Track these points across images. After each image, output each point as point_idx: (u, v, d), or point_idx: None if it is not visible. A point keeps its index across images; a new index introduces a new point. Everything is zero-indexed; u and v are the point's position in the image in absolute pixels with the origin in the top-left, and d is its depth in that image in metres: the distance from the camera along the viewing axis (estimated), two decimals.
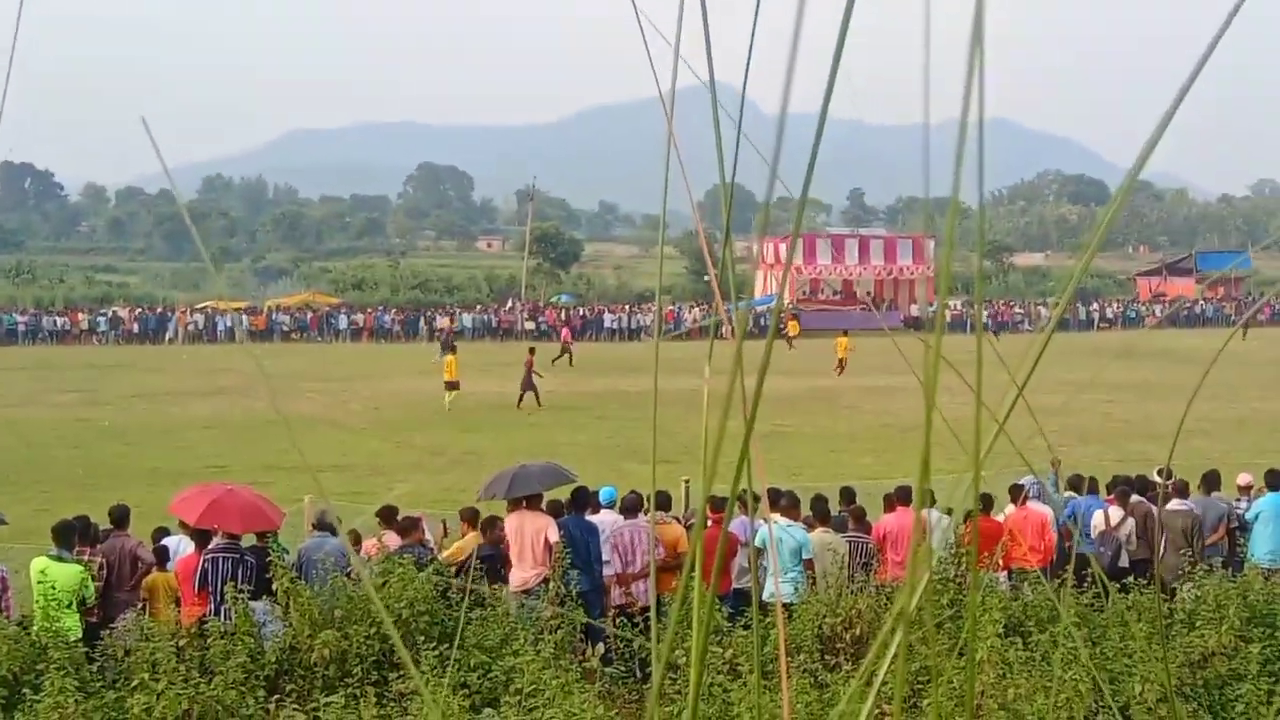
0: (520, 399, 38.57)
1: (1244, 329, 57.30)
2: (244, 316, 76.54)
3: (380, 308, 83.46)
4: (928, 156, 0.90)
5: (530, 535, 13.98)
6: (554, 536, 13.77)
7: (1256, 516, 15.90)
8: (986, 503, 14.22)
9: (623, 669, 12.72)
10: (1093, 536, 15.67)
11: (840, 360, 48.66)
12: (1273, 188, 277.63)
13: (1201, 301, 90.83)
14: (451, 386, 38.74)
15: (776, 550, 13.86)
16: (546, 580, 13.38)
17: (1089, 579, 13.13)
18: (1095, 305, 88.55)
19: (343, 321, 78.04)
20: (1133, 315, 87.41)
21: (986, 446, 1.03)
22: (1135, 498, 16.06)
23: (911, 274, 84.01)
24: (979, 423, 1.00)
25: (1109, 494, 16.53)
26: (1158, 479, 16.95)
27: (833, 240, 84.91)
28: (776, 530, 14.08)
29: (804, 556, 13.88)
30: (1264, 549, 15.56)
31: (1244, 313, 79.92)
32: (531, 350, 40.57)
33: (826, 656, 11.50)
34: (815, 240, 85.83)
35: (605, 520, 14.87)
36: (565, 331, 63.08)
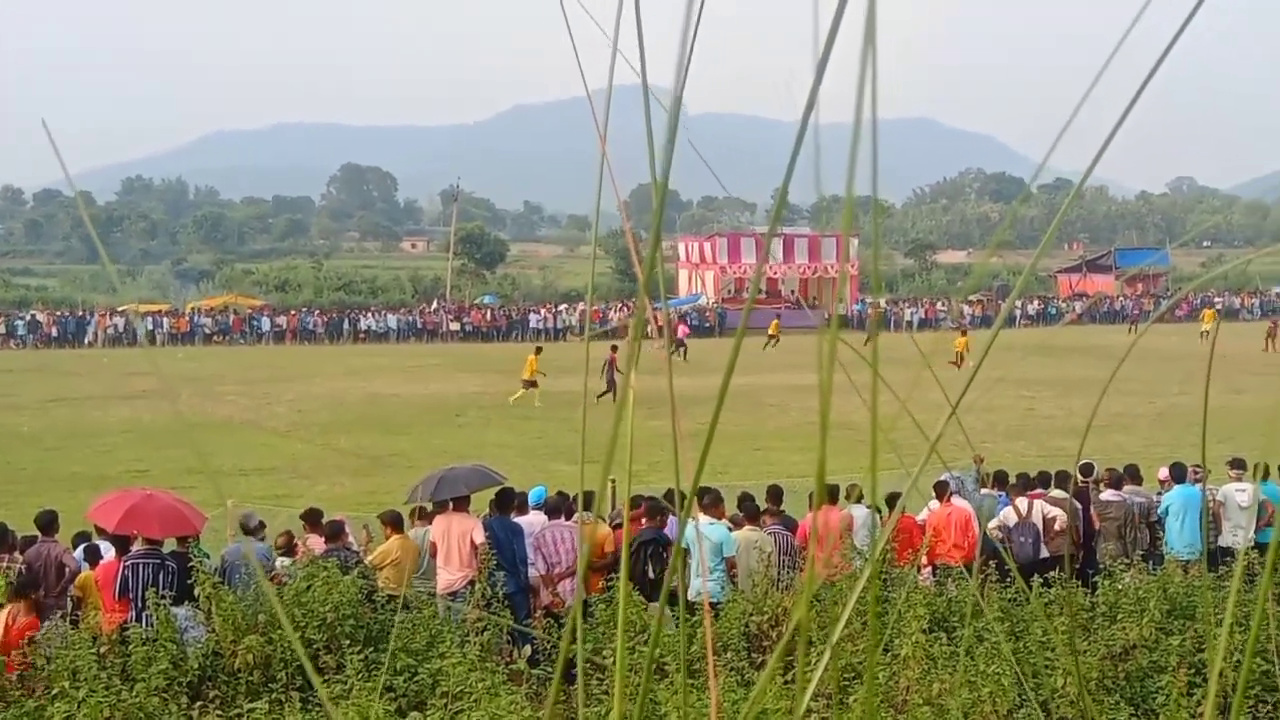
0: (604, 394, 37.77)
1: (1132, 325, 57.85)
2: (165, 319, 75.69)
3: (304, 309, 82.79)
4: (817, 156, 0.90)
5: (456, 537, 13.95)
6: (479, 538, 13.75)
7: (1167, 510, 16.19)
8: (891, 500, 14.27)
9: (550, 670, 12.70)
10: (989, 530, 15.81)
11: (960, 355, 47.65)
12: (1190, 185, 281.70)
13: (1121, 298, 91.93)
14: (530, 385, 38.38)
15: (701, 547, 13.88)
16: (473, 583, 13.34)
17: (1011, 574, 13.25)
18: (1017, 302, 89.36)
19: (266, 324, 77.35)
20: (1053, 312, 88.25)
21: (928, 446, 1.03)
22: (1058, 492, 16.24)
23: (835, 272, 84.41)
24: (874, 420, 1.00)
25: (1043, 488, 16.70)
26: (1078, 474, 17.18)
27: (757, 239, 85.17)
28: (701, 528, 14.11)
29: (725, 554, 13.93)
30: (1180, 542, 15.82)
31: (1162, 308, 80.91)
32: (614, 348, 39.50)
33: (754, 654, 11.52)
34: (740, 239, 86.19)
35: (533, 521, 14.86)
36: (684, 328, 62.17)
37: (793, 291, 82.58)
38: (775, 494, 15.86)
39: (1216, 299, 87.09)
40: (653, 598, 13.25)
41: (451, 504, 14.22)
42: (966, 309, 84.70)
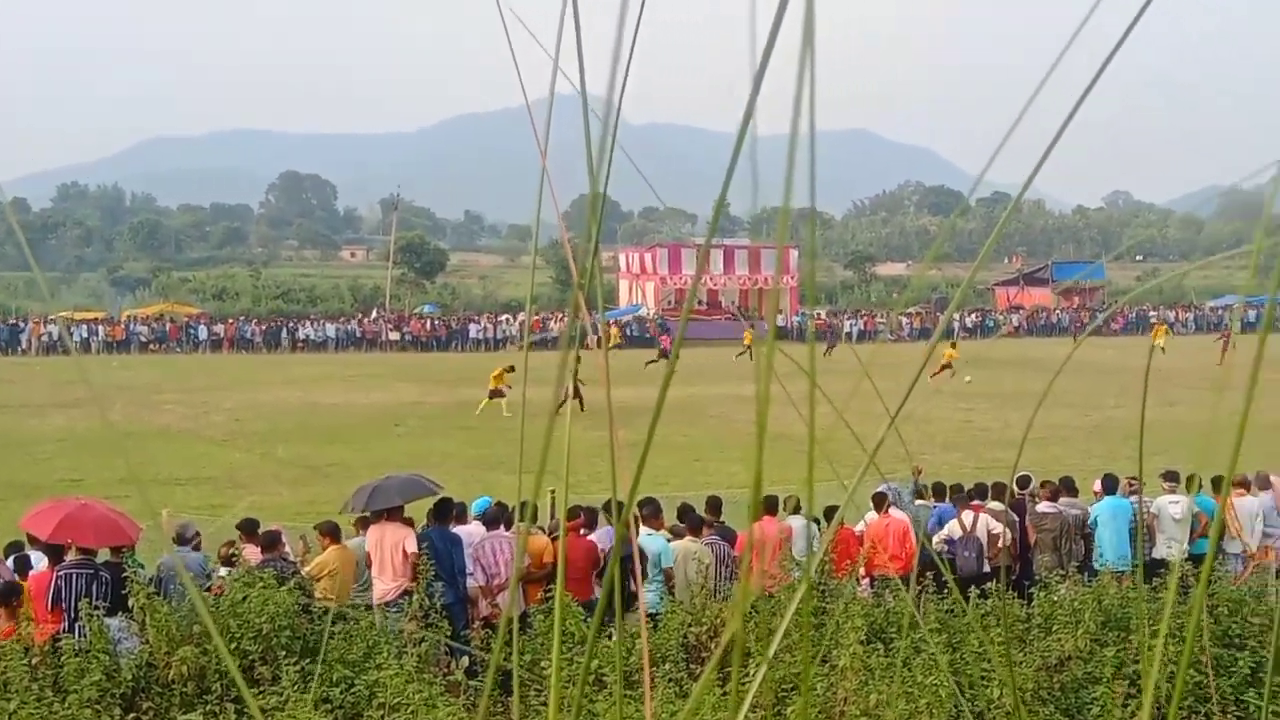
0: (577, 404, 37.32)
1: (1074, 338, 58.18)
2: (100, 327, 74.95)
3: (241, 318, 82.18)
4: (754, 167, 0.90)
5: (390, 547, 13.91)
6: (411, 547, 13.73)
7: (1096, 521, 16.37)
8: (829, 511, 14.36)
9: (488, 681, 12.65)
10: (934, 543, 15.91)
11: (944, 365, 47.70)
12: (1126, 199, 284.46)
13: (1058, 310, 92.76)
14: (496, 394, 38.11)
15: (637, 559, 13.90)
16: (408, 593, 13.30)
17: (948, 585, 13.30)
18: (955, 314, 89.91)
19: (203, 332, 76.67)
20: (991, 324, 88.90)
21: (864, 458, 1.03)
22: (995, 504, 16.36)
23: (776, 284, 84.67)
24: (812, 431, 1.00)
25: (980, 499, 16.82)
26: (1015, 487, 17.33)
27: (698, 251, 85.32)
28: (644, 541, 14.12)
29: (663, 565, 13.95)
30: (1111, 553, 15.98)
31: (1096, 321, 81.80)
32: (577, 358, 38.97)
33: (692, 666, 11.52)
34: (681, 250, 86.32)
35: (472, 532, 14.82)
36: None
37: (733, 302, 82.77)
38: (714, 505, 15.87)
39: (1152, 313, 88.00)
40: (627, 609, 13.23)
41: (386, 514, 14.19)
42: (905, 320, 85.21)
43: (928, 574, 13.78)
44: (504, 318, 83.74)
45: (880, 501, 15.97)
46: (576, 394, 37.84)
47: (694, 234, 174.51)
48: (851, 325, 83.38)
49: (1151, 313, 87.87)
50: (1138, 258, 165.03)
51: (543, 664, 10.88)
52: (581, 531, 14.54)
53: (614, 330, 64.28)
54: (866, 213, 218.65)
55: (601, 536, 14.61)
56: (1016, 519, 16.19)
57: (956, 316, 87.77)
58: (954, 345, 51.27)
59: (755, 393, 0.95)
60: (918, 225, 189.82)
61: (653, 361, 52.73)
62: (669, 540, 14.58)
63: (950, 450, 29.95)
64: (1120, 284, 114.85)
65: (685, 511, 15.52)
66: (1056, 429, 31.98)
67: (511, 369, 39.55)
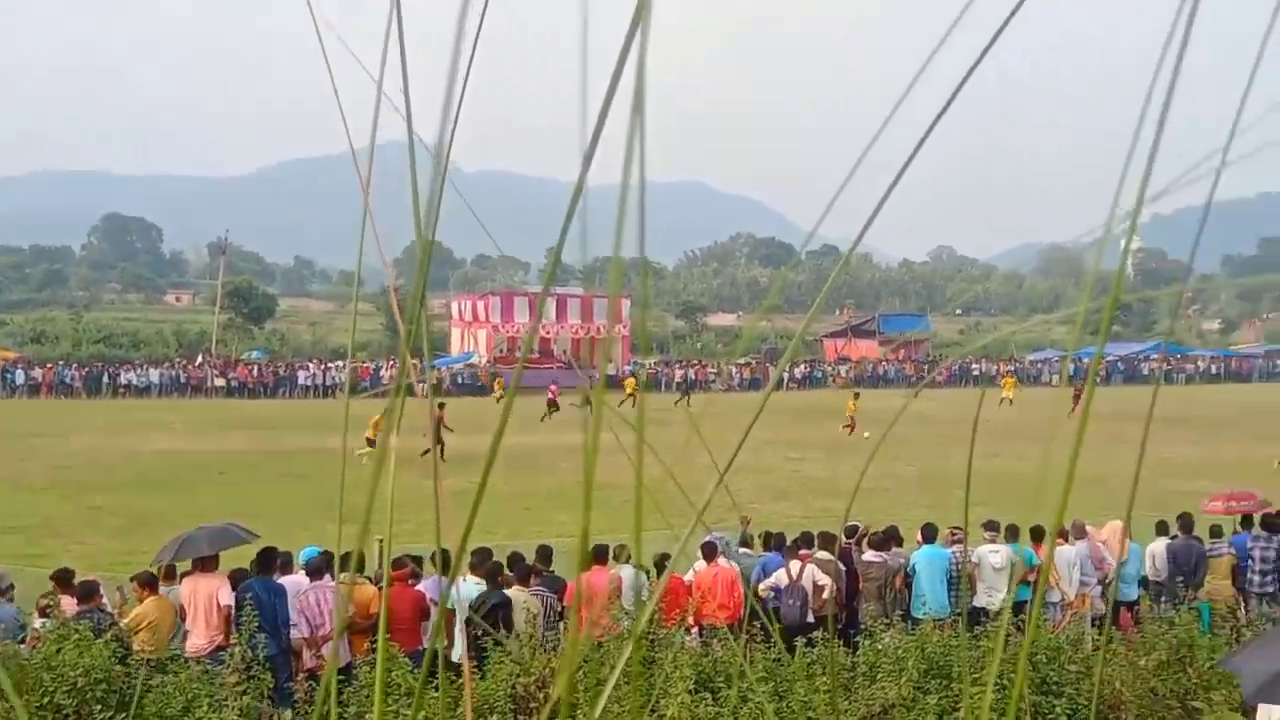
0: (428, 451, 36.72)
1: (915, 391, 59.34)
2: None
3: (61, 362, 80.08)
4: (584, 217, 0.90)
5: (204, 599, 13.64)
6: (225, 599, 13.49)
7: (914, 569, 16.67)
8: (659, 561, 14.42)
9: None
10: (761, 591, 16.04)
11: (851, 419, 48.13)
12: (950, 254, 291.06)
13: (884, 362, 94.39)
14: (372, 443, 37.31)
15: (465, 608, 13.81)
16: (221, 647, 13.08)
17: (777, 632, 13.42)
18: (785, 366, 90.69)
19: (20, 376, 74.54)
20: (819, 375, 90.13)
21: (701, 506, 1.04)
22: (823, 553, 16.53)
23: (608, 333, 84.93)
24: (639, 482, 1.00)
25: (807, 548, 16.98)
26: (842, 537, 17.55)
27: (529, 299, 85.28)
28: (465, 588, 14.05)
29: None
30: (933, 601, 16.27)
31: (923, 373, 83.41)
32: (440, 405, 38.54)
33: (520, 716, 11.45)
34: (514, 298, 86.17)
35: (298, 582, 14.58)
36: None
37: (565, 351, 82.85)
38: (544, 554, 15.82)
39: (974, 365, 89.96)
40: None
41: (199, 564, 13.94)
42: (736, 371, 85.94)
43: (755, 623, 13.87)
44: (334, 364, 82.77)
45: (709, 551, 16.05)
46: (439, 441, 37.61)
47: (527, 282, 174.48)
48: (683, 375, 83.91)
49: (974, 365, 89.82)
50: (957, 311, 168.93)
51: (368, 717, 10.73)
52: (410, 581, 14.40)
53: (631, 381, 64.70)
54: (699, 263, 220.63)
55: (430, 586, 14.49)
56: (843, 568, 16.39)
57: (786, 367, 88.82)
58: (856, 397, 51.75)
59: (583, 443, 0.95)
60: (749, 276, 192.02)
61: (546, 416, 52.47)
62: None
63: (781, 500, 30.24)
64: (944, 336, 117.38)
65: (514, 560, 15.45)
66: (883, 479, 32.49)
67: (442, 405, 38.96)
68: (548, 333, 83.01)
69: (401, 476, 1.15)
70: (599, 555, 15.17)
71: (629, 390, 62.10)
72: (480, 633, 13.50)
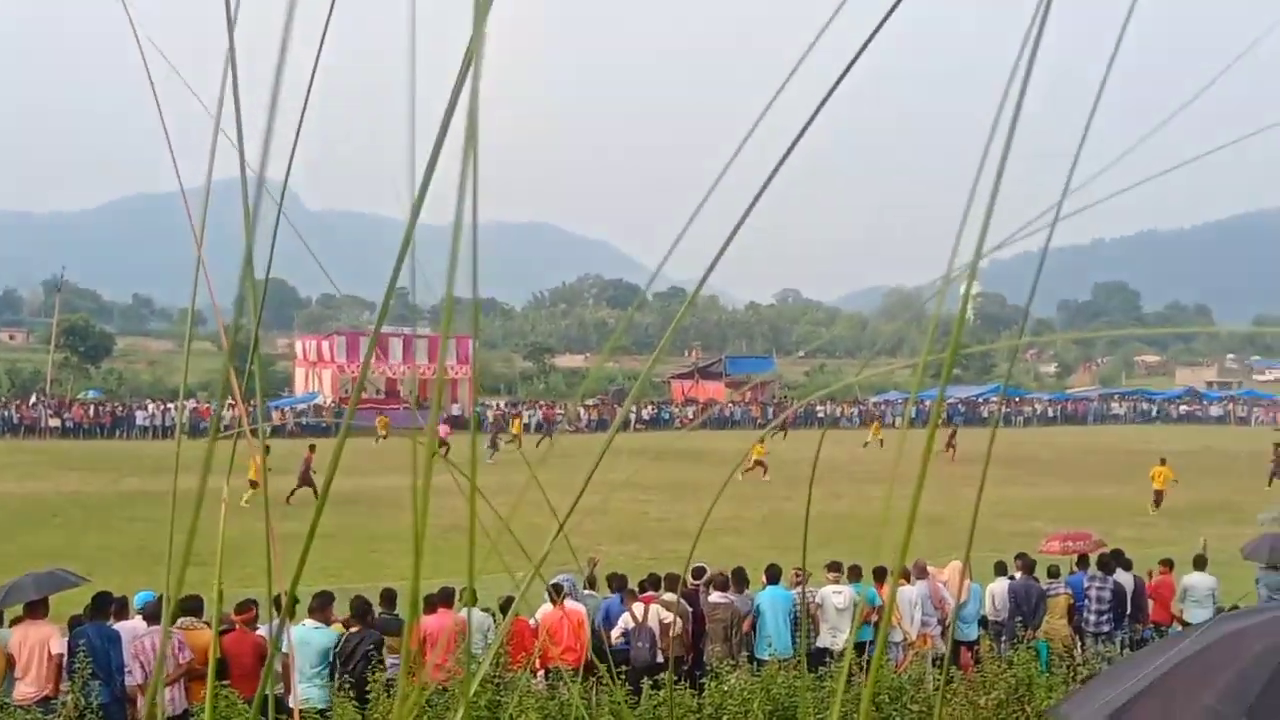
0: (292, 493, 36.09)
1: (784, 430, 59.89)
2: None
3: None
4: (413, 258, 0.90)
5: (34, 647, 13.27)
6: (57, 648, 13.15)
7: (759, 610, 16.78)
8: (505, 603, 14.39)
9: None
10: (611, 633, 16.04)
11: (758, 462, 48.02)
12: (796, 296, 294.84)
13: (730, 404, 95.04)
14: (307, 483, 36.44)
15: (303, 652, 13.64)
16: (50, 696, 12.74)
17: (623, 674, 13.42)
18: (632, 407, 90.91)
19: None
20: (667, 416, 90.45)
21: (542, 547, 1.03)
22: (669, 595, 16.57)
23: (455, 373, 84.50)
24: (473, 524, 1.00)
25: (653, 590, 17.00)
26: (691, 577, 17.61)
27: (377, 338, 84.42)
28: (303, 632, 13.85)
29: (332, 658, 13.71)
30: (777, 642, 16.38)
31: (771, 415, 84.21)
32: (311, 447, 37.81)
33: None
34: (359, 338, 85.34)
35: (135, 628, 14.23)
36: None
37: (412, 392, 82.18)
38: (388, 597, 15.65)
39: (819, 407, 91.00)
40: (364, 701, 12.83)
41: (29, 611, 13.56)
42: (583, 412, 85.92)
43: (602, 665, 13.84)
44: (173, 404, 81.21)
45: (555, 592, 15.99)
46: (309, 482, 37.20)
47: (372, 322, 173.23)
48: (530, 416, 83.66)
49: (819, 407, 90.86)
50: (799, 354, 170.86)
51: None
52: (252, 625, 14.15)
53: (444, 427, 63.83)
54: (546, 304, 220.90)
55: (270, 630, 14.23)
56: (690, 609, 16.44)
57: (634, 408, 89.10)
58: (762, 441, 51.75)
59: (442, 483, 0.94)
60: (596, 318, 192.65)
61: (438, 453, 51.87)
62: (343, 633, 14.32)
63: (627, 541, 30.26)
64: (790, 378, 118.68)
65: (356, 602, 15.26)
66: (729, 520, 32.67)
67: (312, 448, 38.27)
68: (395, 373, 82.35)
69: (246, 519, 1.13)
70: (444, 598, 15.04)
71: (515, 430, 62.42)
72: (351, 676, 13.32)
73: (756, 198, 1.00)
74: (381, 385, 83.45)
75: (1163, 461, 40.52)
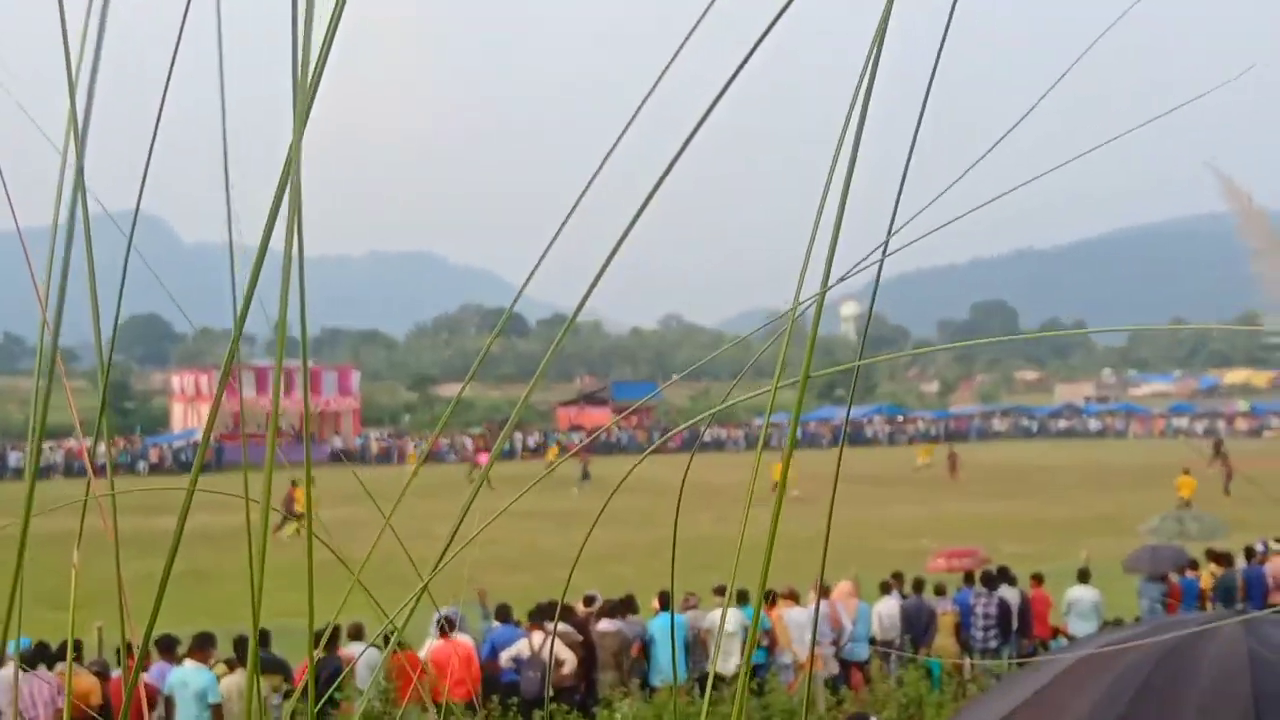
0: (279, 527, 35.64)
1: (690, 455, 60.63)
2: None
3: None
4: (274, 289, 0.89)
5: None
6: None
7: (653, 637, 16.78)
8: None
9: None
10: (501, 662, 15.95)
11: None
12: (679, 320, 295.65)
13: (617, 430, 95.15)
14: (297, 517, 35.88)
15: (181, 695, 13.46)
16: None
17: (515, 706, 13.34)
18: (519, 435, 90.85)
19: None
20: (540, 445, 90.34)
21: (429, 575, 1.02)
22: (563, 626, 16.51)
23: (338, 406, 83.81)
24: (309, 563, 0.98)
25: (544, 619, 16.92)
26: (583, 605, 17.59)
27: (257, 373, 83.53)
28: (181, 674, 13.66)
29: (210, 701, 13.48)
30: (667, 668, 16.37)
31: (654, 440, 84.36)
32: (294, 484, 37.24)
33: None
34: (239, 373, 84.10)
35: (6, 675, 13.91)
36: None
37: (292, 426, 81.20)
38: (262, 637, 15.39)
39: (706, 431, 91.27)
40: None
41: None
42: (468, 441, 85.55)
43: (493, 697, 13.78)
44: (49, 445, 79.69)
45: (445, 626, 15.88)
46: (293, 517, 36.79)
47: (253, 355, 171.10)
48: (415, 447, 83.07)
49: (706, 431, 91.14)
50: (674, 376, 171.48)
51: None
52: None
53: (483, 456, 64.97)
54: (429, 334, 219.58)
55: (154, 674, 13.99)
56: (581, 638, 16.39)
57: (521, 437, 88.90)
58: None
59: (325, 517, 0.92)
60: (479, 347, 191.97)
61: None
62: (224, 674, 14.11)
63: (517, 571, 30.11)
64: (676, 402, 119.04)
65: (240, 643, 15.04)
66: (617, 547, 32.62)
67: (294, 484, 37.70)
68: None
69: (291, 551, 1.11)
70: (335, 636, 14.89)
71: (550, 456, 63.47)
72: None
73: (632, 222, 1.00)
74: (263, 420, 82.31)
75: (1186, 472, 41.56)
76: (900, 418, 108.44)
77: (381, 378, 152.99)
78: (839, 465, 1.29)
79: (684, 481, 1.40)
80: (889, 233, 1.06)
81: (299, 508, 37.99)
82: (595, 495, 44.48)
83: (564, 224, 1.00)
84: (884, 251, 1.05)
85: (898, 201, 1.06)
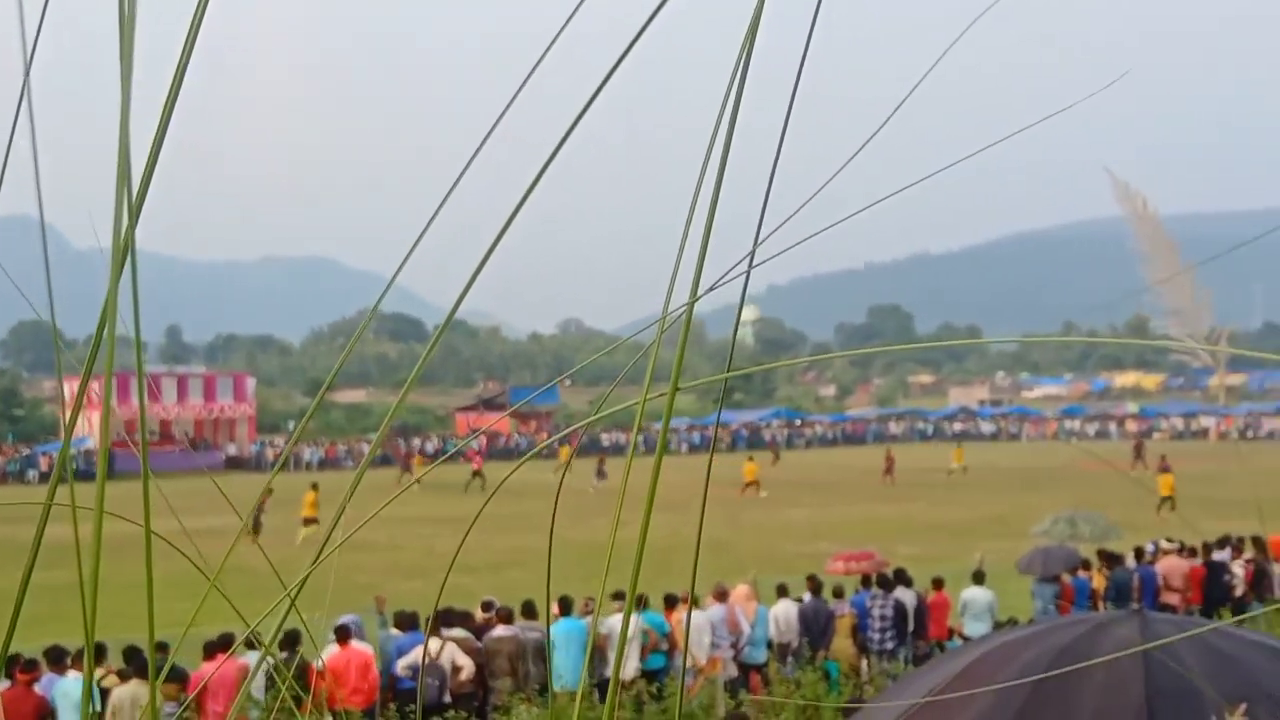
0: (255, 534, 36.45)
1: (601, 468, 61.16)
2: None
3: None
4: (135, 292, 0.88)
5: None
6: None
7: (553, 643, 16.72)
8: (294, 638, 14.16)
9: None
10: (401, 671, 15.85)
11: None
12: (578, 325, 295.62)
13: (516, 435, 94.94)
14: (310, 521, 37.27)
15: (63, 705, 13.28)
16: None
17: (412, 714, 13.27)
18: (417, 440, 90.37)
19: None
20: (451, 449, 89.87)
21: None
22: (459, 631, 16.43)
23: (232, 413, 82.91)
24: (143, 572, 0.97)
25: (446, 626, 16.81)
26: (481, 611, 17.53)
27: (149, 379, 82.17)
28: (65, 684, 13.49)
29: (96, 710, 13.31)
30: (569, 674, 16.34)
31: (555, 445, 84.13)
32: (269, 491, 37.67)
33: None
34: (130, 379, 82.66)
35: None
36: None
37: (186, 433, 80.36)
38: (160, 646, 15.16)
39: (604, 435, 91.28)
40: None
41: None
42: (365, 447, 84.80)
43: (390, 705, 13.71)
44: None
45: (342, 634, 15.76)
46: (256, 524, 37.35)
47: (145, 362, 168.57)
48: (311, 453, 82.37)
49: (604, 435, 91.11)
50: (565, 382, 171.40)
51: None
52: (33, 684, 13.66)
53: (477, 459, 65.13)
54: (326, 339, 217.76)
55: (44, 685, 13.74)
56: (479, 645, 16.32)
57: (419, 441, 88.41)
58: (751, 459, 54.47)
59: (210, 525, 0.91)
60: (377, 351, 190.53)
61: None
62: (115, 684, 13.91)
63: (414, 577, 29.91)
64: (574, 407, 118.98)
65: (132, 654, 14.78)
66: (514, 552, 32.48)
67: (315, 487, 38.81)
68: (169, 414, 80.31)
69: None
70: (224, 644, 14.69)
71: (564, 457, 63.02)
72: None
73: (505, 227, 0.99)
74: (155, 427, 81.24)
75: (1165, 470, 42.45)
76: (798, 421, 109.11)
77: (276, 384, 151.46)
78: (709, 471, 1.29)
79: (560, 484, 1.39)
80: (755, 242, 1.06)
81: (308, 511, 38.87)
82: (497, 500, 44.31)
83: (430, 222, 0.99)
84: (750, 261, 1.05)
85: (764, 210, 1.06)
